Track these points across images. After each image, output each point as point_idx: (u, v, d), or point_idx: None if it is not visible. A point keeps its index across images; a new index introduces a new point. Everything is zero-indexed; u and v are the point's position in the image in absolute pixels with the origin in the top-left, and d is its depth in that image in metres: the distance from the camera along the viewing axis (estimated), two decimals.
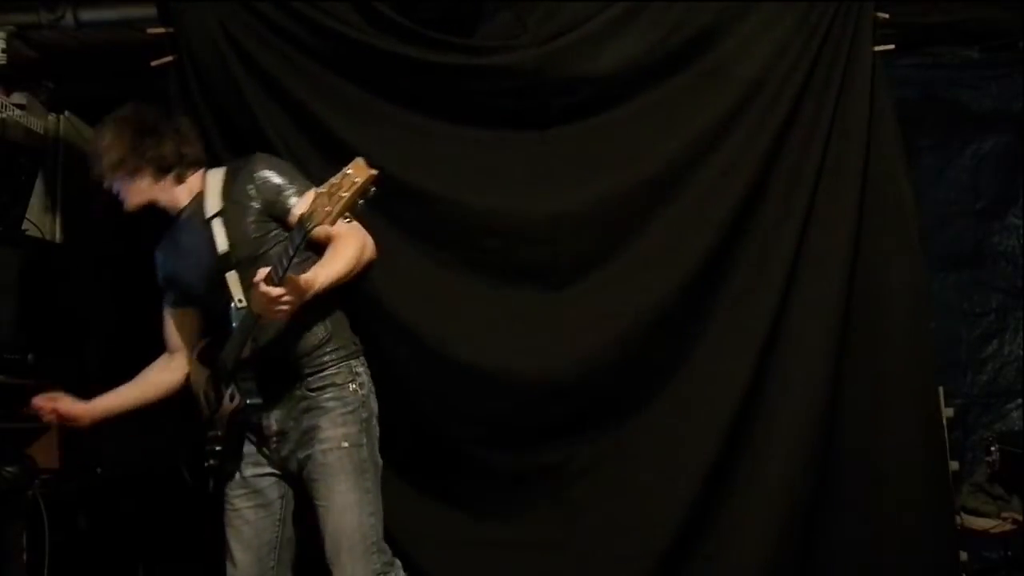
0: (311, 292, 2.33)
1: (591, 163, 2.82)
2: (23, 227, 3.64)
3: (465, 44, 2.84)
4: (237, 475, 2.54)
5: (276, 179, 2.51)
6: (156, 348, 2.87)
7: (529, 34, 2.84)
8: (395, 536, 2.63)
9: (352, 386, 2.51)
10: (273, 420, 2.52)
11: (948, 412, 3.22)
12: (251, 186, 2.50)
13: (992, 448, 3.60)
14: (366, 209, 2.20)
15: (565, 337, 2.77)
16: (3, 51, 3.33)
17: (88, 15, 3.28)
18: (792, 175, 2.81)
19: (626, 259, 2.81)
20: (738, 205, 2.79)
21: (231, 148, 2.83)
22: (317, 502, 2.46)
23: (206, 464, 2.56)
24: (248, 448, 2.55)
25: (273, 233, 2.49)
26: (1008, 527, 3.52)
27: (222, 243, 2.47)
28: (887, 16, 2.84)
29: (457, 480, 2.82)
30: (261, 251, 2.47)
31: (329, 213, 2.12)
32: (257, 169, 2.52)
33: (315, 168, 2.84)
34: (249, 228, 2.48)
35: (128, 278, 3.42)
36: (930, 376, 2.83)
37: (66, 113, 3.91)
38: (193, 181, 2.60)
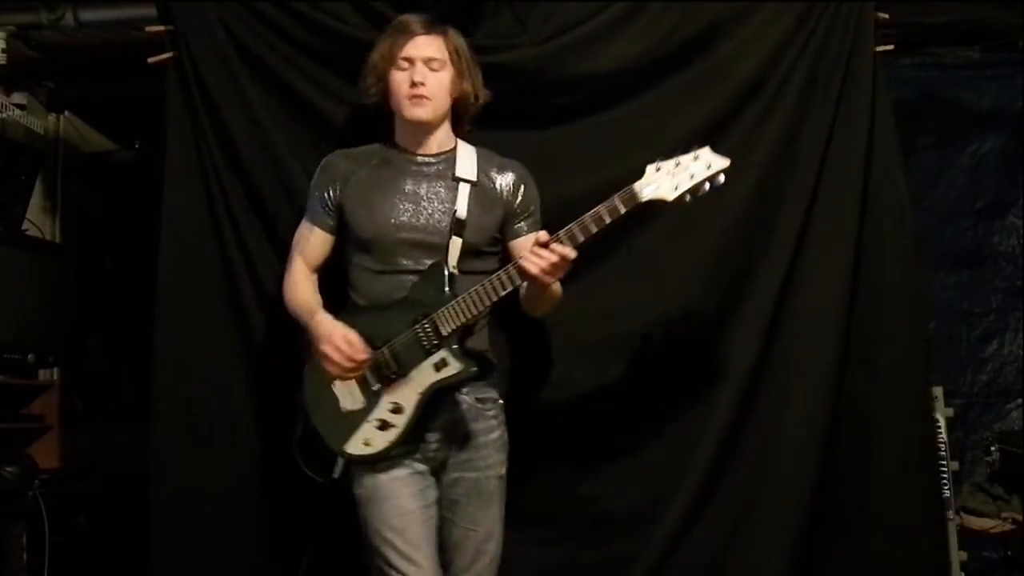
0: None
1: (591, 162, 2.81)
2: (23, 227, 3.64)
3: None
4: (402, 466, 2.33)
5: (532, 192, 2.47)
6: (155, 348, 2.87)
7: (529, 34, 2.84)
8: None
9: (500, 403, 2.44)
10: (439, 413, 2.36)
11: (948, 412, 3.23)
12: (507, 182, 2.44)
13: (992, 448, 3.61)
14: None
15: (565, 334, 2.77)
16: (3, 51, 3.33)
17: (88, 15, 3.29)
18: (793, 176, 2.81)
19: (625, 258, 2.80)
20: (737, 206, 2.79)
21: (227, 148, 2.83)
22: (459, 521, 2.36)
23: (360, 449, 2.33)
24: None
25: (489, 241, 2.42)
26: (1008, 527, 3.52)
27: (462, 209, 2.35)
28: (887, 16, 2.84)
29: None
30: (478, 247, 2.38)
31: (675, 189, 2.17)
32: (519, 172, 2.47)
33: (315, 168, 2.85)
34: (485, 218, 2.39)
35: (128, 278, 3.42)
36: (926, 376, 2.83)
37: (66, 113, 3.92)
38: (449, 137, 2.48)
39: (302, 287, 2.47)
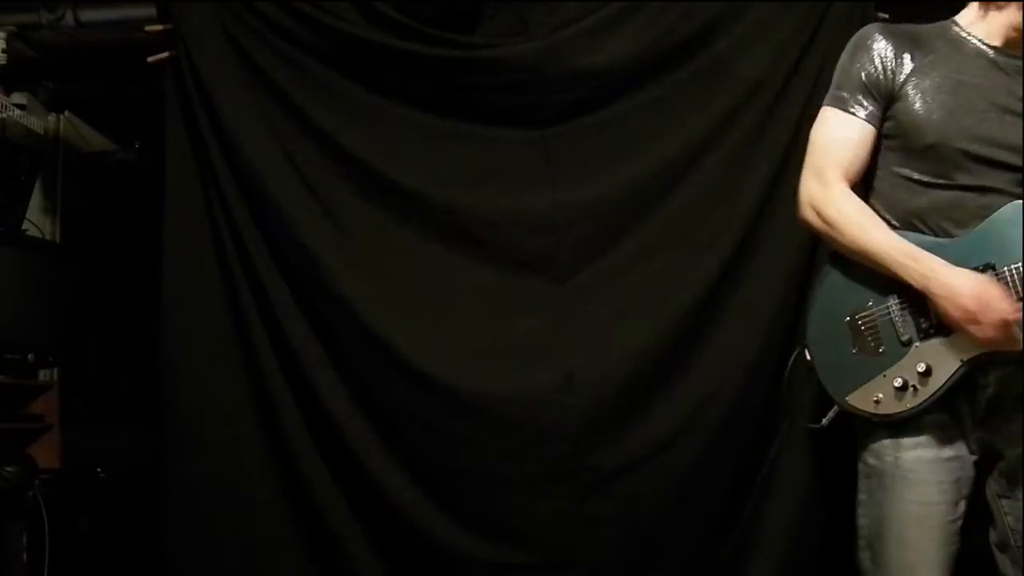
0: None
1: (591, 159, 2.81)
2: (23, 227, 3.64)
3: (465, 40, 2.84)
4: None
5: None
6: (156, 348, 2.87)
7: (530, 32, 2.84)
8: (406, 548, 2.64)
9: None
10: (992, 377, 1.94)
11: None
12: None
13: None
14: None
15: (567, 334, 2.77)
16: (3, 51, 3.33)
17: (88, 15, 3.28)
18: (794, 175, 2.80)
19: (625, 257, 2.80)
20: (740, 202, 2.79)
21: (226, 148, 2.83)
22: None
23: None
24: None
25: None
26: None
27: None
28: (887, 16, 2.83)
29: (464, 485, 2.78)
30: None
31: None
32: None
33: (315, 168, 2.86)
34: None
35: (128, 278, 3.42)
36: None
37: (66, 113, 3.92)
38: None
39: (866, 214, 1.99)
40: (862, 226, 1.97)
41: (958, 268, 1.87)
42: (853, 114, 2.03)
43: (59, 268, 3.60)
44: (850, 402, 2.02)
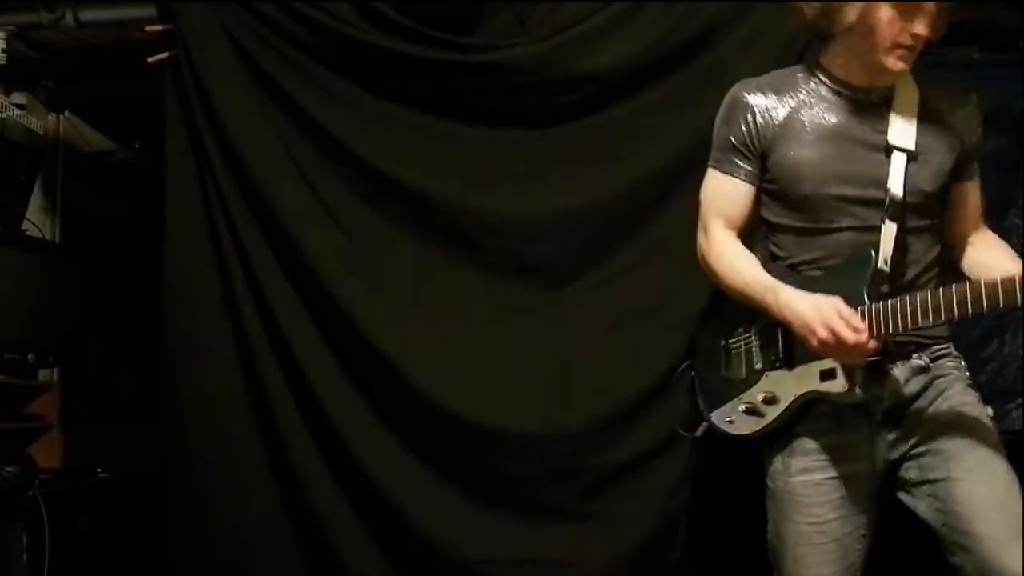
0: None
1: (591, 161, 2.81)
2: (23, 227, 3.64)
3: (466, 42, 2.84)
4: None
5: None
6: (156, 348, 2.88)
7: (529, 33, 2.84)
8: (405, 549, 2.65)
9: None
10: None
11: None
12: (964, 120, 2.04)
13: None
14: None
15: (564, 339, 2.76)
16: (3, 51, 3.33)
17: (88, 15, 3.28)
18: None
19: (625, 258, 2.80)
20: None
21: (225, 148, 2.83)
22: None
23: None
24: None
25: (941, 188, 2.00)
26: None
27: (896, 183, 1.95)
28: None
29: (462, 491, 2.79)
30: (923, 220, 1.99)
31: None
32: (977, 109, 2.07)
33: (314, 169, 2.86)
34: (929, 180, 1.99)
35: (128, 278, 3.42)
36: None
37: (66, 113, 3.92)
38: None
39: (739, 257, 2.07)
40: (734, 268, 2.07)
41: (809, 295, 1.91)
42: (730, 174, 2.11)
43: (59, 268, 3.60)
44: (713, 419, 2.17)
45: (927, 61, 3.79)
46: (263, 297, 2.80)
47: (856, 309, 1.86)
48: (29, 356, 3.39)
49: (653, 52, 2.82)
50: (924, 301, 1.81)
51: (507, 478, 2.75)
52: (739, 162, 2.09)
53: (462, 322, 2.79)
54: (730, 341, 2.16)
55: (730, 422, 2.13)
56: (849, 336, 1.83)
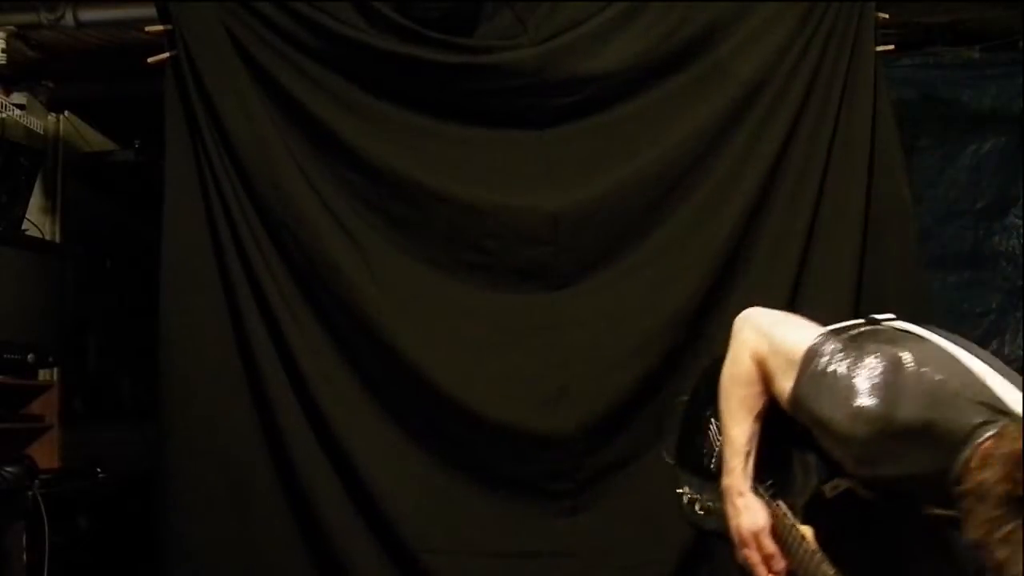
0: None
1: (591, 162, 2.81)
2: (23, 227, 3.64)
3: (466, 44, 2.84)
4: None
5: None
6: (155, 348, 2.87)
7: (529, 34, 2.84)
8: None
9: None
10: None
11: None
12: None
13: None
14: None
15: (562, 340, 2.77)
16: (3, 51, 3.33)
17: (88, 15, 3.28)
18: (796, 177, 2.81)
19: (626, 260, 2.80)
20: (742, 207, 2.79)
21: (225, 149, 2.83)
22: None
23: None
24: None
25: None
26: None
27: None
28: (887, 16, 2.84)
29: (462, 487, 2.80)
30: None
31: None
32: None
33: (314, 170, 2.85)
34: None
35: (128, 278, 3.42)
36: None
37: (66, 113, 3.92)
38: None
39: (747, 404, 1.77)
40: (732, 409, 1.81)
41: (754, 502, 1.75)
42: None
43: (59, 268, 3.59)
44: (679, 473, 2.01)
45: (927, 61, 3.80)
46: (263, 297, 2.80)
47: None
48: (29, 356, 3.39)
49: (653, 53, 2.82)
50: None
51: (506, 475, 2.76)
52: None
53: (462, 322, 2.79)
54: (712, 417, 1.93)
55: (682, 493, 1.99)
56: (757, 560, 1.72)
